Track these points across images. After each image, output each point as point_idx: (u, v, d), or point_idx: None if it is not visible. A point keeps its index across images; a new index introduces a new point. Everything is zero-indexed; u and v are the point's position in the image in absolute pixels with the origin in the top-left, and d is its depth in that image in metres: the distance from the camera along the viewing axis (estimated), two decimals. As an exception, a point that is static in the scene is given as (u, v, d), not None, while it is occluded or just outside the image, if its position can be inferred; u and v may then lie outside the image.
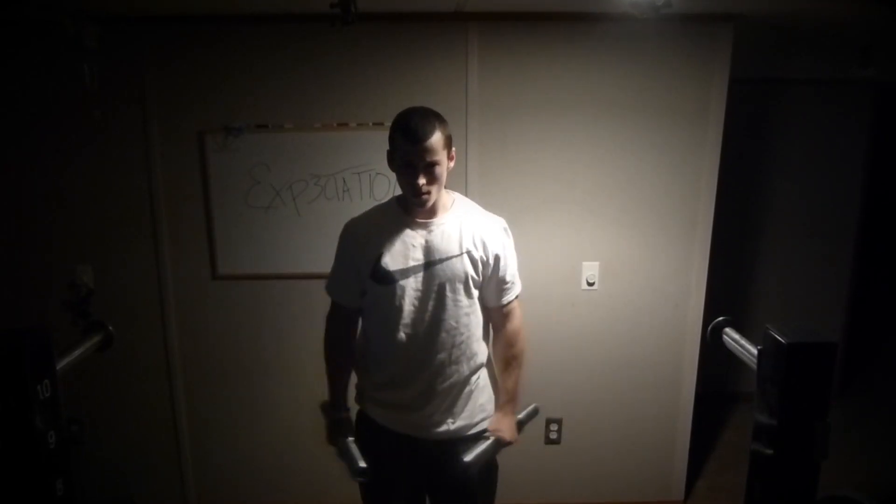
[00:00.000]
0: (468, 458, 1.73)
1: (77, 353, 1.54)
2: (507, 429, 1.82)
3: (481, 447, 1.76)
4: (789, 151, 3.77)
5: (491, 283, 1.76)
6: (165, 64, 2.48)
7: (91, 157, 2.54)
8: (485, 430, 1.83)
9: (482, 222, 1.76)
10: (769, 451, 1.36)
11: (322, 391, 2.77)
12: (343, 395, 1.88)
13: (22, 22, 2.37)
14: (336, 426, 1.85)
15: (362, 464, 1.72)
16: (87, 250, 2.62)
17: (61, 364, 1.41)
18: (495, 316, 1.83)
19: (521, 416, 1.89)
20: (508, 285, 1.79)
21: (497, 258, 1.74)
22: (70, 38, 2.25)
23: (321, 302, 2.62)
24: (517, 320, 1.84)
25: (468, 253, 1.70)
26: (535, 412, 1.93)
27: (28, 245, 2.61)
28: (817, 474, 1.35)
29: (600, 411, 2.82)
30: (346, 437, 1.80)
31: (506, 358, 1.84)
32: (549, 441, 2.85)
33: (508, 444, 1.83)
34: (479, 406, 1.82)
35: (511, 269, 1.80)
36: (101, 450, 2.65)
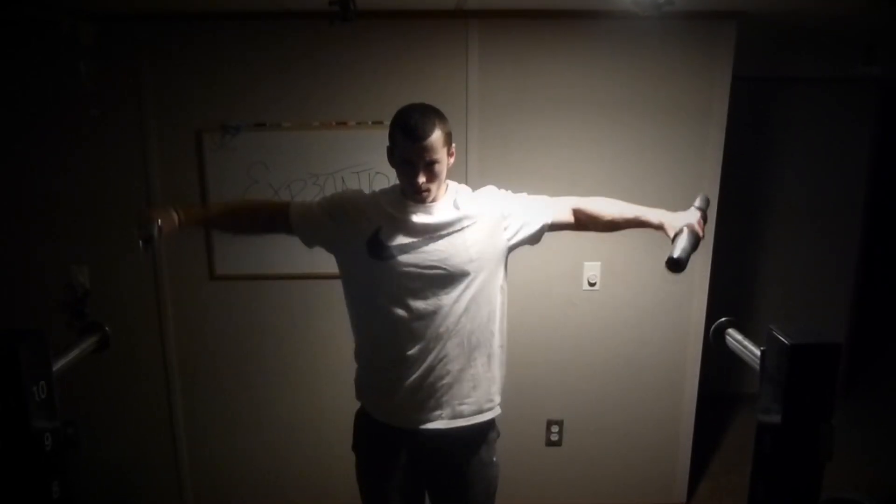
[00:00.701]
0: (676, 254, 1.60)
1: (73, 354, 1.54)
2: (686, 218, 1.70)
3: (682, 241, 1.62)
4: (792, 150, 3.77)
5: (525, 222, 1.74)
6: (162, 62, 2.48)
7: (87, 156, 2.54)
8: (491, 431, 1.83)
9: (475, 196, 1.76)
10: (772, 453, 1.36)
11: (321, 391, 2.79)
12: (188, 223, 1.74)
13: (18, 20, 2.37)
14: (164, 214, 1.66)
15: (153, 233, 1.57)
16: (83, 250, 2.62)
17: (57, 365, 1.41)
18: (565, 222, 1.79)
19: (696, 203, 1.76)
20: (539, 211, 1.76)
21: (505, 212, 1.73)
22: (66, 36, 2.25)
23: (320, 302, 2.65)
24: (571, 203, 1.80)
25: (468, 227, 1.69)
26: (706, 199, 1.79)
27: (24, 245, 2.61)
28: (821, 476, 1.35)
29: (602, 412, 2.82)
30: (157, 221, 1.61)
31: (611, 216, 1.79)
32: (550, 443, 2.85)
33: (701, 230, 1.68)
34: (481, 394, 1.77)
35: (525, 204, 1.77)
36: (97, 452, 2.66)
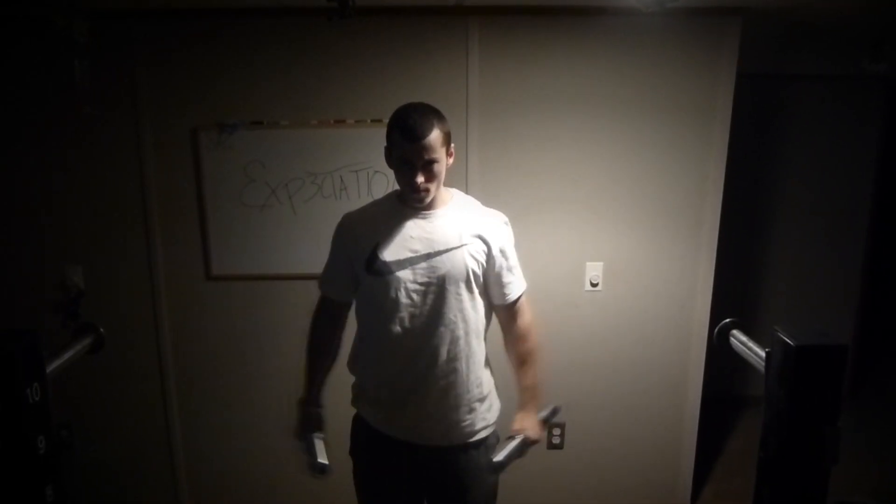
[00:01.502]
0: (498, 458, 1.72)
1: (67, 355, 1.54)
2: (531, 427, 1.81)
3: (510, 447, 1.75)
4: (798, 149, 3.77)
5: (493, 279, 1.76)
6: (158, 59, 2.48)
7: (82, 154, 2.54)
8: (509, 434, 1.83)
9: (482, 216, 1.76)
10: (777, 456, 1.36)
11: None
12: (318, 391, 1.89)
13: (11, 17, 2.37)
14: (306, 420, 1.87)
15: (322, 460, 1.75)
16: (77, 250, 2.62)
17: (51, 367, 1.41)
18: (503, 315, 1.83)
19: (542, 414, 1.87)
20: (512, 280, 1.78)
21: (501, 251, 1.74)
22: (60, 34, 2.25)
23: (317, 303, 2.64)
24: (527, 316, 1.83)
25: (467, 246, 1.69)
26: (555, 411, 1.92)
27: (17, 245, 2.61)
28: (827, 480, 1.35)
29: (604, 415, 2.82)
30: (314, 433, 1.83)
31: (519, 355, 1.83)
32: (551, 446, 2.85)
33: (535, 442, 1.81)
34: (480, 413, 1.80)
35: (513, 263, 1.79)
36: (92, 455, 2.65)
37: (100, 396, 2.74)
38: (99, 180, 2.56)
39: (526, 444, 1.79)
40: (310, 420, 1.86)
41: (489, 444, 1.84)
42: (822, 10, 2.39)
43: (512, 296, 1.79)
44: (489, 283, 1.76)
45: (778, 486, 1.38)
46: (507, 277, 1.77)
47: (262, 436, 2.82)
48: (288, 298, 2.68)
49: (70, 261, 2.62)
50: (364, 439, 1.86)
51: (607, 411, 2.82)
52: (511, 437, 1.78)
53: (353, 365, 1.87)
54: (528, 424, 1.81)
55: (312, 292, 2.64)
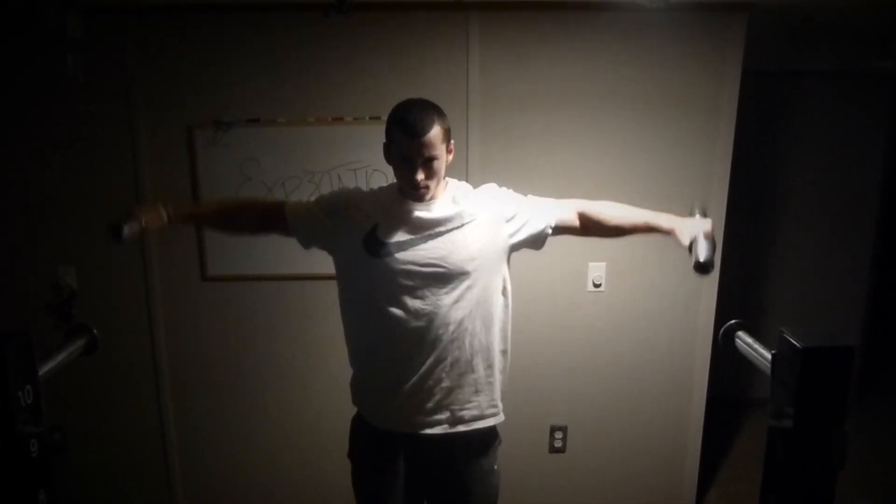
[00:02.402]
0: (703, 258, 1.63)
1: (60, 357, 1.54)
2: (692, 223, 1.71)
3: (703, 244, 1.65)
4: (805, 146, 3.77)
5: (529, 230, 1.74)
6: (152, 55, 2.48)
7: (75, 152, 2.54)
8: (494, 437, 1.83)
9: (477, 194, 1.77)
10: (784, 460, 1.36)
11: (317, 396, 2.79)
12: (179, 218, 1.79)
13: (2, 12, 2.37)
14: (149, 208, 1.74)
15: (125, 234, 1.63)
16: (70, 250, 2.62)
17: (44, 369, 1.41)
18: (570, 224, 1.78)
19: (698, 212, 1.78)
20: (542, 211, 1.75)
21: (510, 213, 1.73)
22: (53, 29, 2.25)
23: (316, 304, 2.64)
24: (574, 206, 1.79)
25: (468, 224, 1.69)
26: (703, 208, 1.83)
27: (9, 245, 2.61)
28: (834, 484, 1.35)
29: (607, 418, 2.82)
30: (139, 218, 1.68)
31: (615, 220, 1.78)
32: (553, 449, 2.85)
33: (711, 233, 1.69)
34: (485, 399, 1.77)
35: (528, 204, 1.77)
36: (85, 458, 2.66)
37: (93, 399, 2.74)
38: (92, 178, 2.56)
39: (709, 236, 1.67)
40: (152, 209, 1.73)
41: (491, 447, 1.84)
42: (828, 5, 2.40)
43: (554, 216, 1.76)
44: (533, 237, 1.75)
45: (784, 490, 1.38)
46: (537, 218, 1.75)
47: (259, 439, 2.82)
48: (285, 299, 2.68)
49: (63, 261, 2.62)
50: (364, 441, 1.86)
51: (610, 414, 2.82)
52: (695, 240, 1.67)
53: (352, 358, 1.86)
54: (688, 224, 1.71)
55: (310, 293, 2.65)
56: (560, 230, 1.79)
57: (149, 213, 1.70)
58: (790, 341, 1.33)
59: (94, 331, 1.68)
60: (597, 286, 2.69)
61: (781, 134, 3.76)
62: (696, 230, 1.69)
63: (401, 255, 1.67)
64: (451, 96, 2.46)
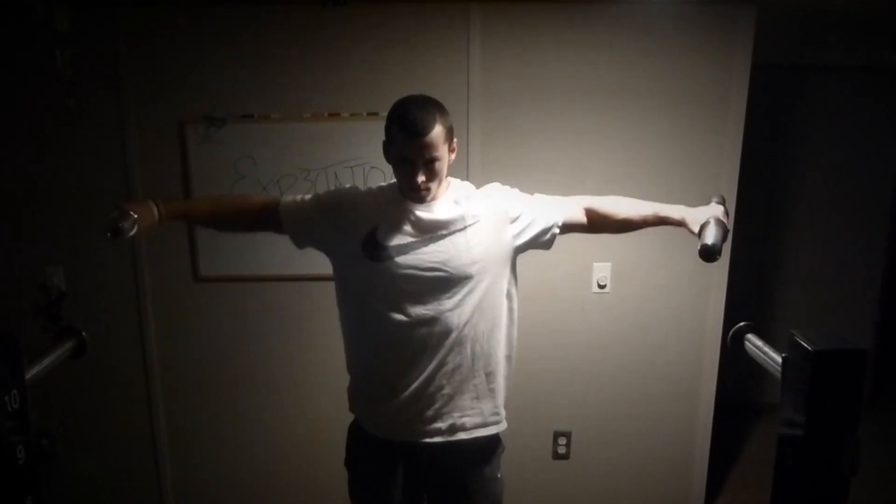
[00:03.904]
0: (710, 241, 1.60)
1: (48, 360, 1.54)
2: (706, 211, 1.69)
3: (712, 229, 1.62)
4: (816, 143, 3.78)
5: (536, 223, 1.73)
6: (143, 49, 2.48)
7: (63, 149, 2.54)
8: (497, 443, 1.83)
9: (480, 194, 1.76)
10: (795, 467, 1.36)
11: (313, 401, 2.79)
12: (170, 215, 1.75)
13: (-12, 4, 2.37)
14: (142, 203, 1.70)
15: (122, 224, 1.60)
16: (58, 250, 2.62)
17: (31, 373, 1.40)
18: (579, 222, 1.77)
19: (714, 199, 1.76)
20: (548, 210, 1.75)
21: (515, 213, 1.72)
22: (40, 22, 2.25)
23: (312, 306, 2.65)
24: (583, 205, 1.78)
25: (471, 227, 1.68)
26: (722, 197, 1.79)
27: (-5, 244, 2.61)
28: (846, 491, 1.35)
29: (612, 424, 2.82)
30: (133, 216, 1.63)
31: (624, 216, 1.77)
32: (557, 456, 2.85)
33: (724, 221, 1.66)
34: (487, 407, 1.77)
35: (534, 203, 1.76)
36: (74, 465, 2.66)
37: (82, 403, 2.74)
38: (81, 176, 2.56)
39: (723, 225, 1.65)
40: (143, 206, 1.69)
41: (494, 455, 1.83)
42: (841, -3, 2.40)
43: (566, 213, 1.76)
44: (540, 235, 1.74)
45: (795, 498, 1.38)
46: (543, 217, 1.74)
47: (252, 444, 2.82)
48: (279, 301, 2.68)
49: (51, 261, 2.62)
50: (361, 449, 1.85)
51: (615, 419, 2.82)
52: (706, 225, 1.64)
53: (349, 363, 1.86)
54: (699, 211, 1.69)
55: (305, 294, 2.66)
56: (568, 228, 1.78)
57: (140, 210, 1.66)
58: (801, 344, 1.33)
59: (83, 333, 1.68)
60: (601, 287, 2.69)
61: (792, 130, 3.77)
62: (708, 215, 1.66)
63: (401, 259, 1.66)
64: (451, 92, 2.46)
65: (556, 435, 2.83)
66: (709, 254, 1.60)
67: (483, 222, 1.70)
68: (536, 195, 1.81)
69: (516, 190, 1.81)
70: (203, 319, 2.70)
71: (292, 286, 2.64)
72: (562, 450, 2.85)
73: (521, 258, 1.80)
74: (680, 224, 1.73)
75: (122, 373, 2.74)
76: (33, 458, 1.35)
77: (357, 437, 1.87)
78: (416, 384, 1.71)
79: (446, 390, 1.72)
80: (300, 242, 1.79)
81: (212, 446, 2.83)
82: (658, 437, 2.84)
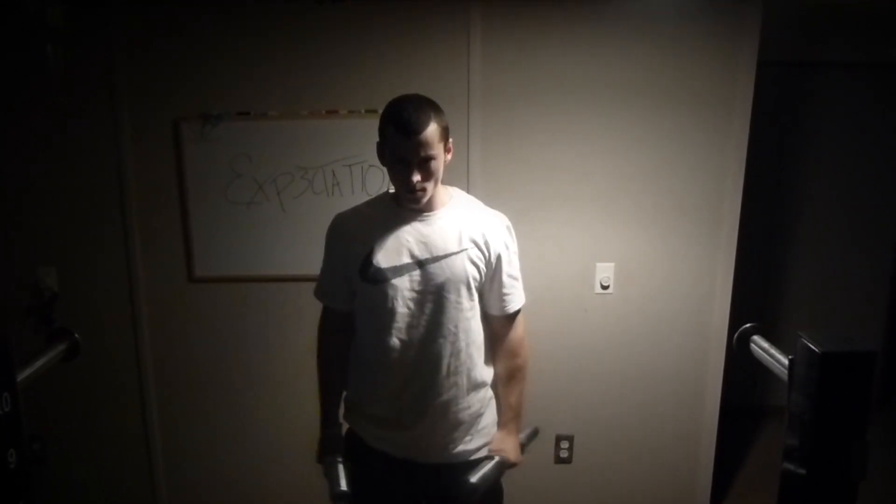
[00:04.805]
0: (474, 479, 1.73)
1: (40, 363, 1.54)
2: (511, 449, 1.82)
3: (486, 468, 1.76)
4: (823, 141, 3.77)
5: (493, 286, 1.75)
6: (137, 45, 2.48)
7: (56, 147, 2.54)
8: (487, 454, 1.83)
9: (483, 218, 1.75)
10: (801, 471, 1.36)
11: (310, 403, 2.77)
12: (335, 410, 1.88)
13: (-21, -1, 2.37)
14: (327, 442, 1.84)
15: (343, 487, 1.73)
16: (50, 250, 2.62)
17: (22, 375, 1.40)
18: (497, 324, 1.82)
19: (521, 437, 1.90)
20: (512, 292, 1.78)
21: (499, 258, 1.74)
22: (33, 18, 2.25)
23: (308, 306, 2.61)
24: (520, 329, 1.84)
25: (468, 251, 1.69)
26: (535, 434, 1.95)
27: (-14, 244, 2.61)
28: (854, 496, 1.35)
29: (615, 427, 2.82)
30: (335, 456, 1.79)
31: (509, 370, 1.83)
32: (559, 460, 2.85)
33: (513, 465, 1.83)
34: (482, 430, 1.82)
35: (515, 271, 1.79)
36: (66, 469, 2.66)
37: (75, 407, 2.74)
38: (74, 175, 2.56)
39: (504, 466, 1.81)
40: (330, 442, 1.83)
41: (494, 461, 1.84)
42: (848, -7, 2.40)
43: (511, 307, 1.79)
44: (487, 291, 1.76)
45: (802, 503, 1.38)
46: (507, 287, 1.77)
47: (248, 447, 2.82)
48: (276, 302, 2.68)
49: (43, 261, 2.62)
50: (357, 456, 1.86)
51: (618, 422, 2.82)
52: (488, 458, 1.79)
53: (349, 377, 1.87)
54: (508, 446, 1.82)
55: (302, 295, 2.64)
56: (492, 318, 1.79)
57: (332, 447, 1.82)
58: (808, 346, 1.33)
59: (76, 335, 1.68)
60: (605, 288, 2.69)
61: (799, 128, 3.76)
62: (500, 450, 1.81)
63: (397, 282, 1.67)
64: (451, 90, 2.46)
65: (559, 438, 2.83)
66: (468, 491, 1.72)
67: (479, 249, 1.71)
68: (516, 265, 1.81)
69: (515, 244, 1.80)
70: (198, 320, 2.70)
71: (287, 286, 2.64)
72: (564, 454, 2.85)
73: (520, 257, 1.83)
74: (500, 426, 1.85)
75: (116, 375, 2.73)
76: (25, 461, 1.34)
77: (353, 443, 1.87)
78: (412, 406, 1.73)
79: (443, 416, 1.74)
80: (351, 286, 1.77)
81: (206, 447, 2.83)
82: (662, 441, 2.83)
